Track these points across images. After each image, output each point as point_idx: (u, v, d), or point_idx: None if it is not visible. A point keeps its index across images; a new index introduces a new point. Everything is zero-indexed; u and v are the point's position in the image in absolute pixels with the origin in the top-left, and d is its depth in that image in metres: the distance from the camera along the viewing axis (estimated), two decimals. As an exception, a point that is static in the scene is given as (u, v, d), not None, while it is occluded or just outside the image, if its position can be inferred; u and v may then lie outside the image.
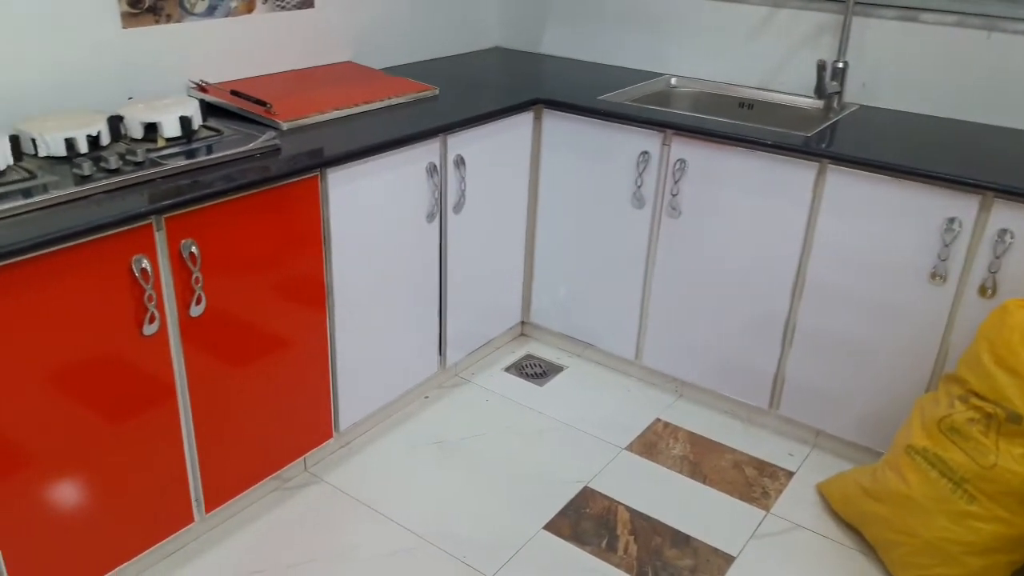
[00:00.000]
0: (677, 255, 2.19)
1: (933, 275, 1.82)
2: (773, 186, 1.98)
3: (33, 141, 1.53)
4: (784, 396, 2.14)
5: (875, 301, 1.92)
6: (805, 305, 2.02)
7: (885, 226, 1.86)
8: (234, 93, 1.94)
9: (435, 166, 2.02)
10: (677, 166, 2.11)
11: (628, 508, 1.93)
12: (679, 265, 2.20)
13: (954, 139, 2.01)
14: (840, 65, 2.23)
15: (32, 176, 1.44)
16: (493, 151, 2.20)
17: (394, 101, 2.11)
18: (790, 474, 2.07)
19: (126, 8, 1.84)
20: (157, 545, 1.65)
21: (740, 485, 2.03)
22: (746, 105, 2.43)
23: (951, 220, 1.77)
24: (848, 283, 1.94)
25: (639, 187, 2.19)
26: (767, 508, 1.95)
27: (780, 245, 2.02)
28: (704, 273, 2.16)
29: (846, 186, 1.88)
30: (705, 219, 2.11)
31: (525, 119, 2.28)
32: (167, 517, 1.65)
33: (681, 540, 1.84)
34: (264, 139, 1.70)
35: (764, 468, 2.09)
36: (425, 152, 1.98)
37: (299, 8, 2.22)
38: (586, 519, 1.90)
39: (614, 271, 2.33)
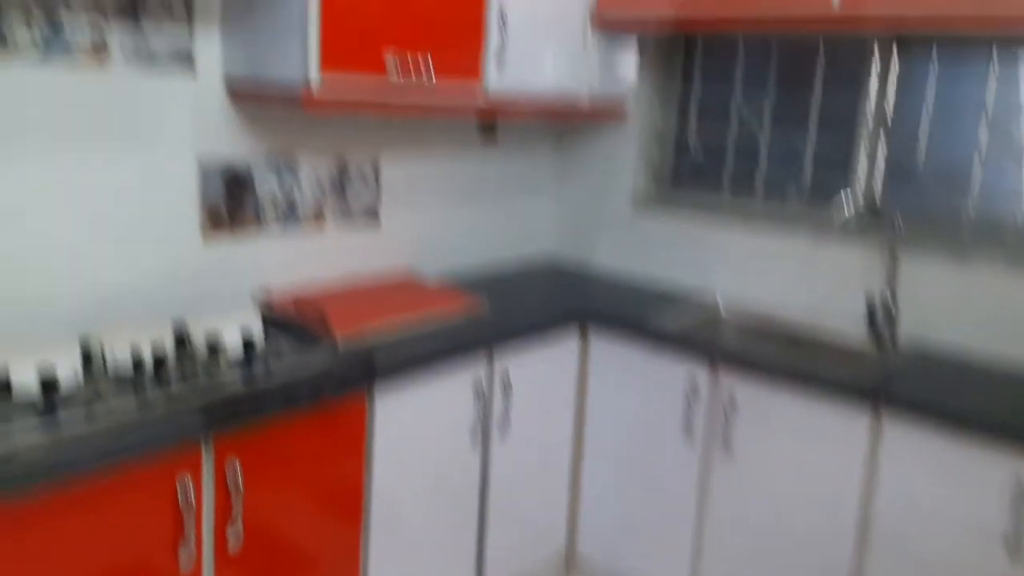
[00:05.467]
0: (731, 498, 2.09)
1: (1005, 543, 1.70)
2: (824, 431, 1.92)
3: (102, 353, 1.58)
4: (846, 660, 1.94)
5: (945, 564, 1.78)
6: (871, 562, 1.88)
7: (949, 484, 1.76)
8: (296, 304, 2.01)
9: (480, 383, 2.02)
10: (728, 400, 2.07)
11: None
12: (734, 509, 2.09)
13: (1018, 387, 1.94)
14: (890, 302, 2.22)
15: (98, 397, 1.46)
16: (539, 369, 2.21)
17: (443, 315, 2.15)
18: None
19: (206, 224, 1.97)
20: None
21: None
22: (795, 339, 2.41)
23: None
24: (914, 541, 1.82)
25: (688, 420, 2.15)
26: None
27: (837, 495, 1.92)
28: (761, 520, 2.04)
29: (904, 438, 1.81)
30: (759, 460, 2.04)
31: (572, 337, 2.30)
32: None
33: None
34: (320, 358, 1.72)
35: None
36: (471, 369, 1.99)
37: (365, 227, 2.36)
38: None
39: (664, 509, 2.21)
